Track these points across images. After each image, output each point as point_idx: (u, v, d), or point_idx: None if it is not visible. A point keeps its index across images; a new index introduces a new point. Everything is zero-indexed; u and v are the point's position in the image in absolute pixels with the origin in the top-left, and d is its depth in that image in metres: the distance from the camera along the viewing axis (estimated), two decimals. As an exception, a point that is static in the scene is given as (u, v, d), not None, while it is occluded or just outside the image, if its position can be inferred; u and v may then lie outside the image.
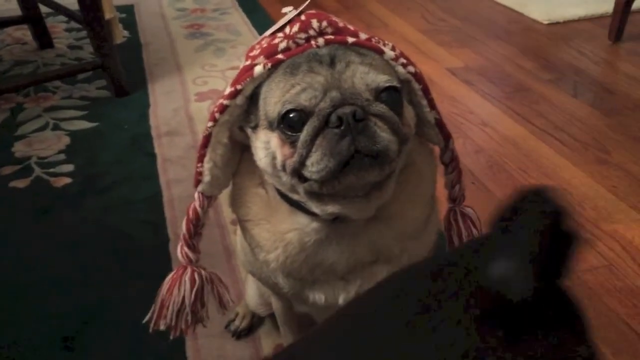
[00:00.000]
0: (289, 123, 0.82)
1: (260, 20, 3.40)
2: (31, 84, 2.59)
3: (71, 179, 2.04)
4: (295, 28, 0.86)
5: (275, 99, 0.84)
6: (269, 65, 0.85)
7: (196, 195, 0.98)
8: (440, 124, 0.96)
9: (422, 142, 1.00)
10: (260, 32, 3.16)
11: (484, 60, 2.88)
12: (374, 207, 0.89)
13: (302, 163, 0.82)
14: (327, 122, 0.80)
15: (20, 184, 2.02)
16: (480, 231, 1.07)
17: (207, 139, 0.93)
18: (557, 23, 3.25)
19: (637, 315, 1.46)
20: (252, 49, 0.92)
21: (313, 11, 0.89)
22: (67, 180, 2.03)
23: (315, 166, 0.80)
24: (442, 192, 1.07)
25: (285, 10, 0.92)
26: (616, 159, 2.07)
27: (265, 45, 0.88)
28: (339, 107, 0.80)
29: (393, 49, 0.90)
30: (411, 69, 0.90)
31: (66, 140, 2.27)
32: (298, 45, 0.85)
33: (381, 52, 0.88)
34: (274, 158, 0.85)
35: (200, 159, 0.95)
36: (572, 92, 2.54)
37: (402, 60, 0.89)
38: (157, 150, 2.20)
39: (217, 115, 0.91)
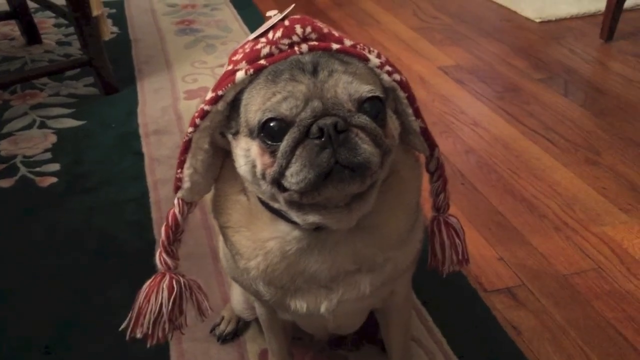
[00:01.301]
0: (269, 132, 0.80)
1: (252, 16, 3.37)
2: (18, 81, 2.56)
3: (57, 179, 2.01)
4: (279, 33, 0.84)
5: (255, 107, 0.82)
6: (251, 71, 0.84)
7: (175, 201, 0.96)
8: (425, 133, 0.94)
9: (407, 150, 0.98)
10: (252, 29, 3.15)
11: (475, 59, 2.87)
12: (355, 217, 0.87)
13: (281, 173, 0.80)
14: (307, 133, 0.78)
15: (5, 183, 1.99)
16: (464, 241, 1.06)
17: (188, 144, 0.91)
18: (549, 21, 3.24)
19: (625, 320, 1.45)
20: (235, 52, 0.90)
21: (297, 16, 0.87)
22: (53, 179, 2.01)
23: (294, 177, 0.79)
24: (427, 200, 1.06)
25: (269, 13, 0.90)
26: (606, 160, 2.06)
27: (248, 50, 0.86)
28: (320, 118, 0.78)
29: (378, 56, 0.88)
30: (397, 77, 0.88)
31: (53, 138, 2.24)
32: (281, 51, 0.84)
33: (366, 60, 0.86)
34: (254, 166, 0.84)
35: (180, 165, 0.93)
36: (562, 91, 2.53)
37: (388, 67, 0.88)
38: (144, 149, 2.18)
39: (197, 120, 0.89)
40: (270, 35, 0.85)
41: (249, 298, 1.29)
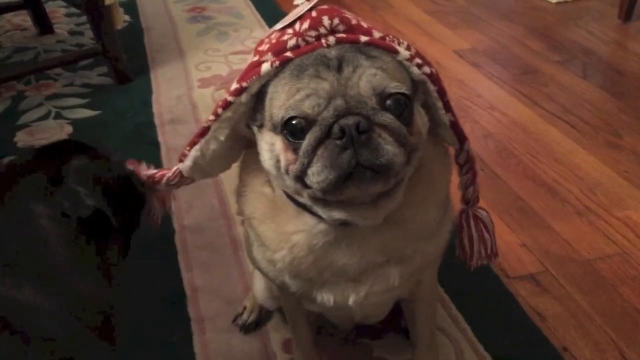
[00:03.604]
0: (291, 129, 0.79)
1: (263, 3, 3.34)
2: (32, 71, 2.55)
3: (74, 170, 2.01)
4: (306, 25, 0.83)
5: (279, 103, 0.81)
6: (277, 63, 0.82)
7: (174, 168, 1.00)
8: (455, 126, 0.92)
9: (437, 142, 0.96)
10: (264, 16, 3.14)
11: (491, 41, 2.83)
12: (382, 214, 0.86)
13: (303, 171, 0.79)
14: (329, 132, 0.77)
15: (23, 175, 1.99)
16: (493, 235, 1.04)
17: (204, 131, 0.92)
18: (566, 2, 3.19)
19: (651, 305, 1.44)
20: (261, 43, 0.88)
21: (325, 6, 0.84)
22: (71, 171, 2.00)
23: (315, 177, 0.78)
24: (456, 193, 1.04)
25: (297, 2, 0.88)
26: (628, 143, 2.03)
27: (274, 41, 0.85)
28: (343, 117, 0.76)
29: (408, 48, 0.85)
30: (427, 69, 0.85)
31: (68, 129, 2.24)
32: (308, 43, 0.82)
33: (395, 52, 0.83)
34: (278, 161, 0.83)
35: (191, 145, 0.95)
36: (581, 73, 2.49)
37: (418, 60, 0.85)
38: (160, 138, 2.17)
39: (219, 110, 0.88)
40: (297, 26, 0.83)
41: (271, 287, 1.29)
